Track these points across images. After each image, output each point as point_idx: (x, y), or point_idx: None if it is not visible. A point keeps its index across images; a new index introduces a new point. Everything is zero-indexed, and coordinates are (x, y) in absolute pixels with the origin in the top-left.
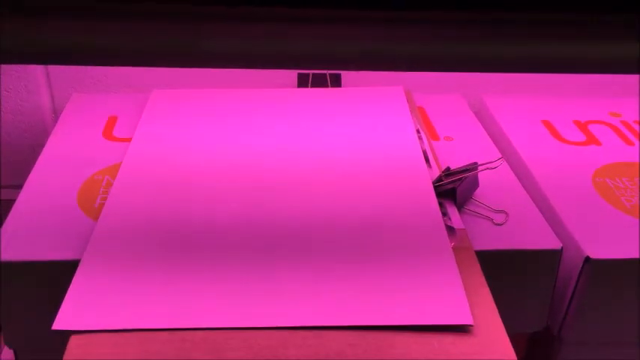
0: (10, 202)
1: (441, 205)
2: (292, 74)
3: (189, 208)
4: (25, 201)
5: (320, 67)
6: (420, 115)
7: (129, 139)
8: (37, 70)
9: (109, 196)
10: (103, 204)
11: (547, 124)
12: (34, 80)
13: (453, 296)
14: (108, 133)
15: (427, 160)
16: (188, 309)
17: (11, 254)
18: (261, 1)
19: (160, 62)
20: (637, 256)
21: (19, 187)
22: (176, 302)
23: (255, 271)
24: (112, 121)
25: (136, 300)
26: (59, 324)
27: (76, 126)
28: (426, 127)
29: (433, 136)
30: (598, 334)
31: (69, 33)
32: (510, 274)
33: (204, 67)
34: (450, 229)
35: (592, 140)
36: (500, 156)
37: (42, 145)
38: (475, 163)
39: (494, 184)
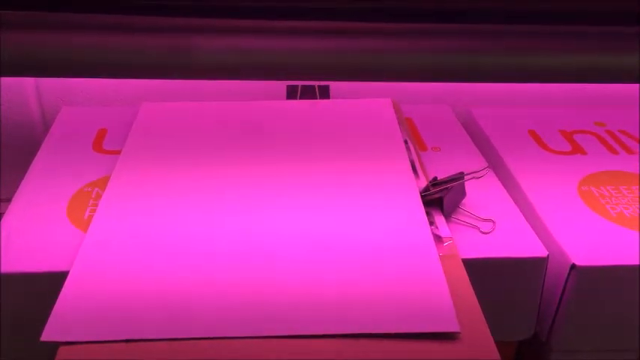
0: None
1: (428, 214)
2: (281, 86)
3: (178, 220)
4: (14, 213)
5: (309, 78)
6: (408, 125)
7: (118, 152)
8: (26, 83)
9: (98, 207)
10: (92, 216)
11: (533, 134)
12: (23, 93)
13: (440, 304)
14: (98, 146)
15: (415, 170)
16: (177, 319)
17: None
18: (250, 14)
19: (150, 74)
20: (622, 263)
21: (8, 200)
22: (165, 313)
23: (244, 281)
24: (101, 134)
25: (124, 311)
26: (48, 335)
27: (66, 139)
28: (413, 137)
29: (421, 146)
30: (586, 340)
31: (58, 46)
32: (497, 282)
33: (194, 78)
34: (438, 238)
35: (577, 149)
36: (486, 165)
37: (32, 158)
38: (462, 173)
39: (482, 193)
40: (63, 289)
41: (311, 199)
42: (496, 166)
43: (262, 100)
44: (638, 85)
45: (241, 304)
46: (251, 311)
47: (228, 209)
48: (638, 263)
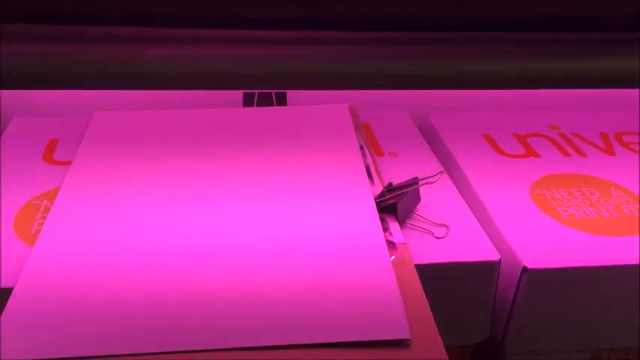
0: None
1: (382, 220)
2: (238, 93)
3: (129, 233)
4: None
5: (265, 87)
6: (365, 131)
7: (69, 162)
8: None
9: (46, 221)
10: (40, 230)
11: (488, 138)
12: None
13: (392, 311)
14: (48, 157)
15: (370, 176)
16: (124, 335)
17: None
18: (206, 24)
19: (103, 85)
20: (572, 265)
21: None
22: (112, 329)
23: (194, 291)
24: (52, 145)
25: (71, 328)
26: None
27: (16, 149)
28: (370, 143)
29: (377, 151)
30: (540, 342)
31: (7, 56)
32: (451, 287)
33: (149, 89)
34: (391, 244)
35: (531, 153)
36: (440, 170)
37: None
38: (416, 178)
39: (437, 198)
40: (6, 306)
41: (264, 205)
42: (451, 170)
43: (218, 107)
44: (592, 89)
45: (193, 317)
46: (203, 324)
47: (181, 217)
48: (588, 264)
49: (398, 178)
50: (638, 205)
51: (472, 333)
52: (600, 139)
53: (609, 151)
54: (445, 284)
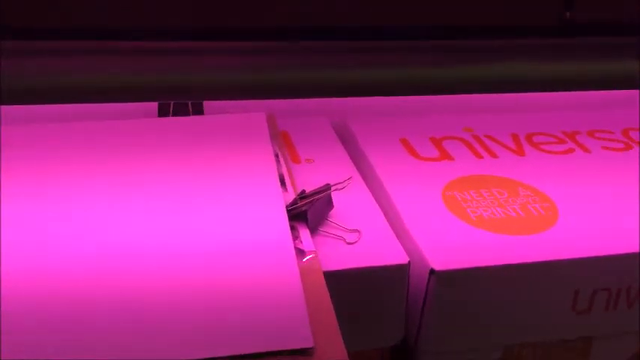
0: None
1: (293, 228)
2: (153, 103)
3: (39, 251)
4: None
5: (175, 98)
6: (283, 138)
7: None
8: None
9: None
10: None
11: (405, 143)
12: None
13: (295, 319)
14: None
15: (284, 184)
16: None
17: None
18: (114, 35)
19: (8, 100)
20: (479, 265)
21: None
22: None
23: (106, 305)
24: None
25: None
26: None
27: None
28: (288, 150)
29: (295, 158)
30: (452, 342)
31: None
32: (363, 291)
33: (61, 102)
34: (300, 252)
35: (445, 156)
36: (350, 176)
37: None
38: (328, 185)
39: (350, 203)
40: None
41: (172, 213)
42: (367, 175)
43: (132, 118)
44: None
45: (97, 332)
46: (108, 337)
47: (94, 231)
48: (494, 264)
49: (314, 184)
50: (543, 204)
51: (386, 336)
52: (511, 139)
53: (519, 151)
54: (357, 289)
